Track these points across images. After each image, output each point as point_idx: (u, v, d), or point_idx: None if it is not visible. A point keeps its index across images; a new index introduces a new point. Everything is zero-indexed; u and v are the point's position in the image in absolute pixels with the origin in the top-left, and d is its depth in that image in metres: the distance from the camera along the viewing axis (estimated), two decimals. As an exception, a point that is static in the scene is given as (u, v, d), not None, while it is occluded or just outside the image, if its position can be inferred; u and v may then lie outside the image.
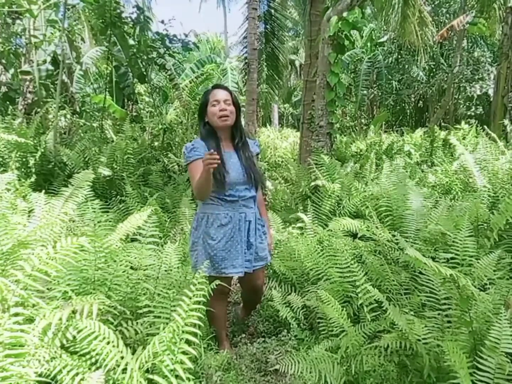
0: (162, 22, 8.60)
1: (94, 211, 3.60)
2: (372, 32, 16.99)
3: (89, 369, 1.96)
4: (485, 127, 8.38)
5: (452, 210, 4.01)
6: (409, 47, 12.41)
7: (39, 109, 7.88)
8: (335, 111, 5.70)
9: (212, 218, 2.50)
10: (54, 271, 2.10)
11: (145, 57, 8.55)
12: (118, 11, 7.64)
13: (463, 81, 14.66)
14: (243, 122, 6.60)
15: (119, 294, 2.35)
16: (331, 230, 3.69)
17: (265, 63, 12.78)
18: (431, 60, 15.51)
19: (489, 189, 4.46)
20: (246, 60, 10.01)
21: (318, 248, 3.35)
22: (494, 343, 1.99)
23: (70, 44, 9.09)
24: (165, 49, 8.68)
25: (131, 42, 8.56)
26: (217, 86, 2.60)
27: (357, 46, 16.99)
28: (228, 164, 2.45)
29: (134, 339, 2.21)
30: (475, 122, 11.86)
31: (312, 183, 5.18)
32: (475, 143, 7.31)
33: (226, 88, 2.58)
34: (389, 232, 3.40)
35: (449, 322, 2.42)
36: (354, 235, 3.83)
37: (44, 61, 8.81)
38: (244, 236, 2.53)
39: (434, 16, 14.54)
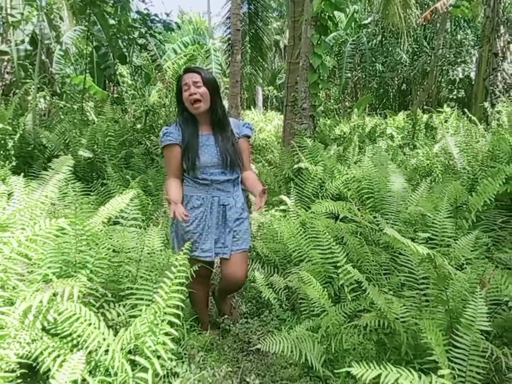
0: (143, 1, 8.43)
1: (75, 194, 3.56)
2: (356, 13, 16.90)
3: (71, 351, 1.96)
4: (466, 110, 8.47)
5: (432, 192, 4.07)
6: (393, 29, 12.39)
7: (17, 90, 7.69)
8: (318, 94, 5.70)
9: (186, 200, 2.49)
10: (35, 254, 2.09)
11: (126, 37, 8.39)
12: (98, -11, 7.45)
13: (446, 64, 14.73)
14: (226, 104, 6.56)
15: (101, 276, 2.35)
16: (314, 212, 3.72)
17: (249, 45, 12.65)
18: (414, 43, 15.54)
19: (468, 171, 4.53)
20: (230, 41, 9.88)
21: (301, 230, 3.38)
22: (469, 321, 2.04)
23: (49, 23, 8.86)
24: (147, 29, 8.52)
25: (111, 21, 8.38)
26: (186, 70, 2.47)
27: (341, 28, 16.90)
28: (202, 148, 2.42)
29: (116, 321, 2.22)
30: (457, 105, 11.97)
31: (295, 166, 5.20)
32: (457, 126, 7.39)
33: (195, 70, 2.43)
34: (370, 214, 3.45)
35: (426, 301, 2.48)
36: (336, 217, 3.87)
37: (22, 41, 8.60)
38: (217, 220, 2.47)
39: (418, -1, 14.53)
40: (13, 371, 1.84)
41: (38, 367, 1.91)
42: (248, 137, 2.61)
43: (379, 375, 1.64)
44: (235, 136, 2.54)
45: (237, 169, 2.52)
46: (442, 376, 1.73)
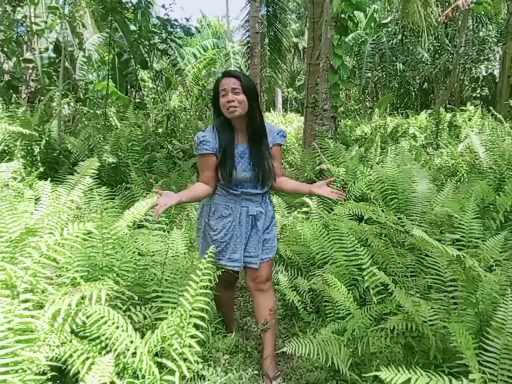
0: (163, 6, 8.53)
1: (101, 198, 3.62)
2: (375, 13, 16.74)
3: (99, 353, 1.99)
4: (491, 108, 8.30)
5: (458, 192, 4.00)
6: (413, 28, 12.24)
7: (42, 97, 7.86)
8: (339, 94, 5.66)
9: (214, 208, 2.41)
10: (63, 258, 2.12)
11: (147, 43, 8.49)
12: (119, -4, 7.56)
13: (469, 61, 14.48)
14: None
15: (127, 280, 2.38)
16: (337, 214, 3.69)
17: (268, 47, 12.66)
18: (436, 41, 15.31)
19: (495, 170, 4.43)
20: (249, 44, 9.93)
21: (324, 232, 3.36)
22: (500, 323, 1.99)
23: (71, 30, 9.03)
24: (167, 34, 8.61)
25: (132, 27, 8.49)
26: (225, 74, 2.35)
27: (360, 27, 16.78)
28: (238, 161, 2.32)
29: (142, 324, 2.24)
30: (480, 103, 11.74)
31: (317, 167, 5.17)
32: (481, 125, 7.25)
33: (235, 75, 2.30)
34: (395, 215, 3.40)
35: (455, 303, 2.43)
36: (359, 219, 3.83)
37: (46, 49, 8.77)
38: (246, 230, 2.40)
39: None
40: (43, 373, 1.86)
41: (67, 369, 1.93)
42: (281, 145, 2.52)
43: (408, 380, 1.61)
44: (269, 146, 2.43)
45: (269, 181, 2.41)
46: (473, 381, 1.69)
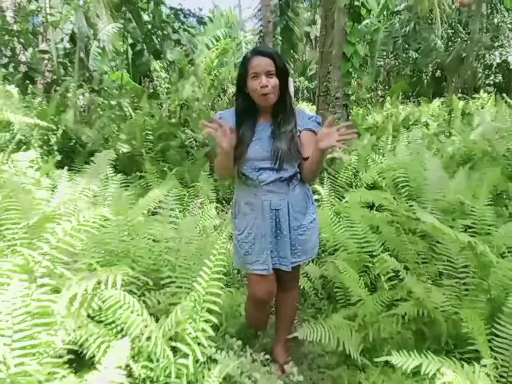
0: (176, -4, 8.50)
1: (116, 187, 3.67)
2: (388, 0, 16.51)
3: (115, 337, 2.03)
4: (505, 95, 8.18)
5: (470, 179, 3.97)
6: (427, 15, 12.06)
7: (58, 88, 7.93)
8: (351, 82, 5.63)
9: (238, 206, 2.21)
10: (80, 244, 2.17)
11: (160, 33, 8.50)
12: (132, -14, 7.58)
13: (482, 49, 14.24)
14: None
15: (142, 265, 2.42)
16: (348, 202, 3.70)
17: (280, 36, 12.57)
18: (449, 28, 15.08)
19: (507, 157, 4.39)
20: (261, 34, 9.85)
21: (335, 219, 3.37)
22: (512, 310, 2.00)
23: (86, 21, 9.08)
24: (180, 23, 8.61)
25: (145, 18, 8.50)
26: (257, 52, 2.04)
27: (373, 15, 16.56)
28: (255, 140, 2.08)
29: (157, 309, 2.28)
30: (494, 91, 11.57)
31: (329, 156, 5.15)
32: (495, 112, 7.16)
33: (268, 54, 2.00)
34: (406, 203, 3.40)
35: (466, 290, 2.44)
36: (370, 207, 3.84)
37: (61, 40, 8.84)
38: (271, 227, 2.12)
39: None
40: (60, 356, 1.91)
41: (83, 353, 1.97)
42: (313, 131, 2.13)
43: (419, 365, 1.63)
44: (297, 129, 2.13)
45: (291, 165, 2.11)
46: (485, 366, 1.71)
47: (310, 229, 2.21)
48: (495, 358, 1.88)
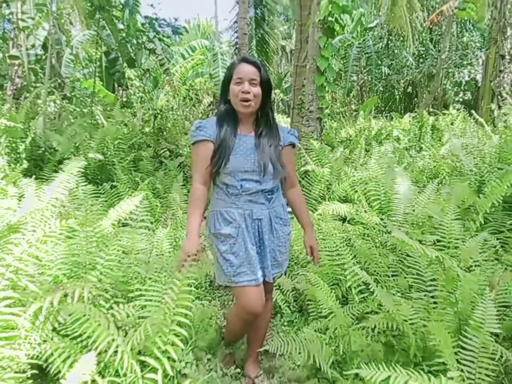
0: (152, 5, 8.50)
1: (86, 196, 3.60)
2: (362, 16, 16.89)
3: (81, 351, 1.98)
4: (473, 112, 8.44)
5: (439, 194, 4.06)
6: (399, 32, 12.39)
7: (28, 94, 7.78)
8: (325, 96, 5.71)
9: (218, 215, 2.11)
10: (45, 255, 2.12)
11: (135, 41, 8.45)
12: (107, -6, 7.52)
13: (452, 66, 14.70)
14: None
15: (110, 278, 2.37)
16: (321, 214, 3.72)
17: (255, 49, 12.68)
18: (420, 46, 15.51)
19: (475, 173, 4.51)
20: (237, 45, 9.92)
21: (308, 232, 3.37)
22: (478, 323, 2.03)
23: (59, 28, 8.96)
24: (155, 33, 8.58)
25: (120, 26, 8.45)
26: (245, 60, 2.07)
27: (347, 31, 16.91)
28: (237, 150, 2.04)
29: (125, 322, 2.23)
30: (463, 107, 11.93)
31: (302, 168, 5.21)
32: (463, 128, 7.38)
33: (255, 64, 2.04)
34: (377, 216, 3.45)
35: (435, 303, 2.48)
36: (343, 219, 3.87)
37: (33, 46, 8.69)
38: (254, 237, 2.10)
39: (425, 1, 14.52)
40: (23, 371, 1.86)
41: (48, 368, 1.92)
42: (293, 145, 2.23)
43: (388, 377, 1.64)
44: (280, 144, 2.15)
45: (276, 179, 2.12)
46: (451, 378, 1.73)
47: (287, 241, 2.23)
48: (462, 371, 1.90)
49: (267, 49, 12.91)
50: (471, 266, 2.79)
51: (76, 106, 8.81)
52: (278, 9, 19.20)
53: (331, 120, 12.99)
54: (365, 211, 3.52)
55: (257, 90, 2.02)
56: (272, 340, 2.30)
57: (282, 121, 14.42)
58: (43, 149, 5.78)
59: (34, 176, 3.88)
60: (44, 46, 8.51)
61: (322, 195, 4.73)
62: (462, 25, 15.71)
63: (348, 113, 15.36)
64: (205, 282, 3.37)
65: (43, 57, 8.46)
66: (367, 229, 3.48)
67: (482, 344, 2.00)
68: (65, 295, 2.02)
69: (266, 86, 2.06)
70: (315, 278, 2.67)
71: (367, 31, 16.67)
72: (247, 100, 2.00)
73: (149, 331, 1.96)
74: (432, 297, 2.51)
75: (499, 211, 3.63)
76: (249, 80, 2.00)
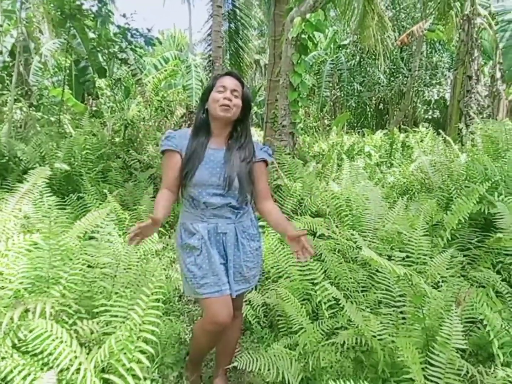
0: (124, 16, 8.41)
1: (50, 208, 3.49)
2: (335, 34, 17.26)
3: (41, 369, 1.91)
4: (441, 131, 8.67)
5: (408, 210, 4.13)
6: (371, 50, 12.68)
7: (-7, 102, 7.58)
8: (298, 111, 5.76)
9: (184, 228, 2.11)
10: (6, 269, 2.03)
11: (106, 51, 8.35)
12: (78, 3, 7.42)
13: (422, 85, 15.11)
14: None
15: (74, 292, 2.30)
16: (292, 229, 3.71)
17: (229, 62, 12.73)
18: (391, 64, 15.90)
19: (443, 190, 4.61)
20: (211, 58, 9.94)
21: (279, 246, 3.37)
22: (445, 339, 2.06)
23: (28, 35, 8.79)
24: (127, 43, 8.50)
25: (91, 35, 8.35)
26: (230, 73, 2.13)
27: (320, 47, 17.21)
28: (204, 164, 2.03)
29: (89, 339, 2.16)
30: (432, 125, 12.24)
31: (274, 182, 5.21)
32: (432, 146, 7.56)
33: (239, 79, 2.11)
34: (348, 231, 3.47)
35: (403, 318, 2.50)
36: (314, 234, 3.88)
37: (0, 52, 8.49)
38: (219, 251, 2.08)
39: (395, 22, 14.93)
40: (-20, 390, 1.77)
41: (7, 386, 1.85)
42: (266, 162, 2.22)
43: (356, 394, 1.63)
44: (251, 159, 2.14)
45: (242, 194, 2.09)
46: (419, 394, 1.73)
47: (256, 256, 2.19)
48: (429, 387, 1.91)
49: (241, 63, 12.97)
50: (438, 282, 2.83)
51: (44, 114, 8.61)
52: (253, 24, 19.43)
53: (304, 134, 13.14)
54: (336, 226, 3.54)
55: (238, 101, 2.07)
56: (241, 357, 2.27)
57: (255, 134, 14.48)
58: (7, 158, 5.61)
59: (-3, 186, 3.75)
60: (12, 53, 8.32)
61: (294, 209, 4.74)
62: (432, 45, 16.19)
63: (321, 128, 15.57)
64: (174, 297, 3.31)
65: (10, 64, 8.27)
66: (338, 244, 3.49)
67: (448, 360, 2.02)
68: (26, 311, 1.94)
69: (247, 102, 2.12)
70: (285, 293, 2.65)
71: (340, 48, 17.03)
72: (227, 106, 2.03)
73: (114, 348, 1.90)
74: (401, 312, 2.53)
75: (465, 228, 3.71)
76: (231, 90, 2.05)
